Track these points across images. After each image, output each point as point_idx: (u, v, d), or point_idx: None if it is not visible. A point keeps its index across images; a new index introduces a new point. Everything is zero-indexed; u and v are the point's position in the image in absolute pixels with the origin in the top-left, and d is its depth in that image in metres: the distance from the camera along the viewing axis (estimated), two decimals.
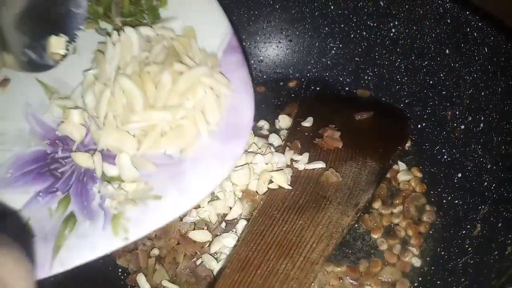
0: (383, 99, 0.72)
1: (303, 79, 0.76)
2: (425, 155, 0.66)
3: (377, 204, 0.62)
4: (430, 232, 0.60)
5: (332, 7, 0.71)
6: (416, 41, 0.65)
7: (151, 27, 0.55)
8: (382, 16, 0.67)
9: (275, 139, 0.66)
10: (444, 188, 0.62)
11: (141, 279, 0.56)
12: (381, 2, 0.66)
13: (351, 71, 0.74)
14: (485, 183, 0.57)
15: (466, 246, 0.55)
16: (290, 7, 0.73)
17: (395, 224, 0.61)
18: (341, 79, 0.75)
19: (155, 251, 0.58)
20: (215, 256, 0.57)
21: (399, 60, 0.69)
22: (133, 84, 0.49)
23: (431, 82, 0.66)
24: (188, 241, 0.57)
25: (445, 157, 0.64)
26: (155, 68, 0.50)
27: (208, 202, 0.58)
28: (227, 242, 0.56)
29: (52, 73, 0.55)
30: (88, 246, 0.47)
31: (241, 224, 0.57)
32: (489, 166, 0.58)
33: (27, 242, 0.46)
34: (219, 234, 0.58)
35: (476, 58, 0.59)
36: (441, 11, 0.61)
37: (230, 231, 0.58)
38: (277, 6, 0.74)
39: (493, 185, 0.56)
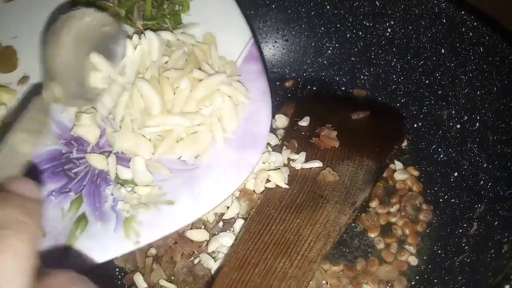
0: (379, 98, 0.72)
1: (299, 79, 0.77)
2: (422, 154, 0.66)
3: (374, 203, 0.62)
4: (427, 231, 0.60)
5: (328, 7, 0.71)
6: (411, 40, 0.66)
7: (172, 32, 0.55)
8: (378, 16, 0.67)
9: (272, 139, 0.66)
10: (441, 187, 0.63)
11: (138, 278, 0.56)
12: (377, 2, 0.66)
13: (347, 70, 0.74)
14: (481, 182, 0.58)
15: (463, 244, 0.56)
16: (286, 7, 0.73)
17: (392, 223, 0.61)
18: (337, 78, 0.75)
19: (152, 251, 0.58)
20: (213, 255, 0.56)
21: (395, 60, 0.69)
22: (151, 88, 0.49)
23: (427, 81, 0.66)
24: (185, 240, 0.57)
25: (441, 156, 0.64)
26: (174, 73, 0.50)
27: None
28: (225, 241, 0.56)
29: None
30: (98, 247, 0.47)
31: (239, 223, 0.57)
32: (485, 165, 0.58)
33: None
34: (216, 233, 0.57)
35: (472, 57, 0.59)
36: (437, 11, 0.61)
37: (228, 230, 0.57)
38: (273, 6, 0.74)
39: (489, 184, 0.57)
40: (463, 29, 0.59)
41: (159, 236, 0.48)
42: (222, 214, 0.58)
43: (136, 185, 0.49)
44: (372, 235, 0.60)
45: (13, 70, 0.55)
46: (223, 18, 0.58)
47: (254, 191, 0.58)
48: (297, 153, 0.62)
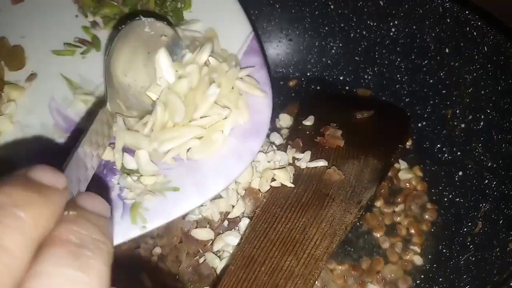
0: (383, 98, 0.72)
1: (303, 79, 0.77)
2: (426, 154, 0.66)
3: (378, 203, 0.62)
4: (432, 230, 0.60)
5: (332, 7, 0.71)
6: (416, 40, 0.66)
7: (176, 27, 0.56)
8: (382, 15, 0.67)
9: (276, 138, 0.66)
10: (445, 186, 0.63)
11: (143, 278, 0.56)
12: (381, 2, 0.66)
13: (351, 70, 0.74)
14: (486, 181, 0.58)
15: (468, 243, 0.56)
16: (290, 6, 0.73)
17: (397, 223, 0.61)
18: (341, 78, 0.75)
19: (157, 250, 0.58)
20: (218, 254, 0.56)
21: (399, 59, 0.69)
22: (177, 96, 0.50)
23: (431, 81, 0.66)
24: (190, 239, 0.57)
25: (446, 155, 0.64)
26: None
27: (211, 200, 0.58)
28: (230, 240, 0.56)
29: (76, 69, 0.56)
30: None
31: (244, 222, 0.57)
32: (489, 164, 0.58)
33: None
34: (221, 232, 0.57)
35: (476, 57, 0.59)
36: (441, 10, 0.61)
37: (233, 229, 0.57)
38: (277, 6, 0.74)
39: (494, 183, 0.57)
40: (468, 28, 0.59)
41: (165, 221, 0.48)
42: (228, 213, 0.58)
43: (142, 175, 0.50)
44: (377, 235, 0.60)
45: (21, 68, 0.56)
46: (223, 14, 0.59)
47: (259, 190, 0.59)
48: (302, 152, 0.62)
